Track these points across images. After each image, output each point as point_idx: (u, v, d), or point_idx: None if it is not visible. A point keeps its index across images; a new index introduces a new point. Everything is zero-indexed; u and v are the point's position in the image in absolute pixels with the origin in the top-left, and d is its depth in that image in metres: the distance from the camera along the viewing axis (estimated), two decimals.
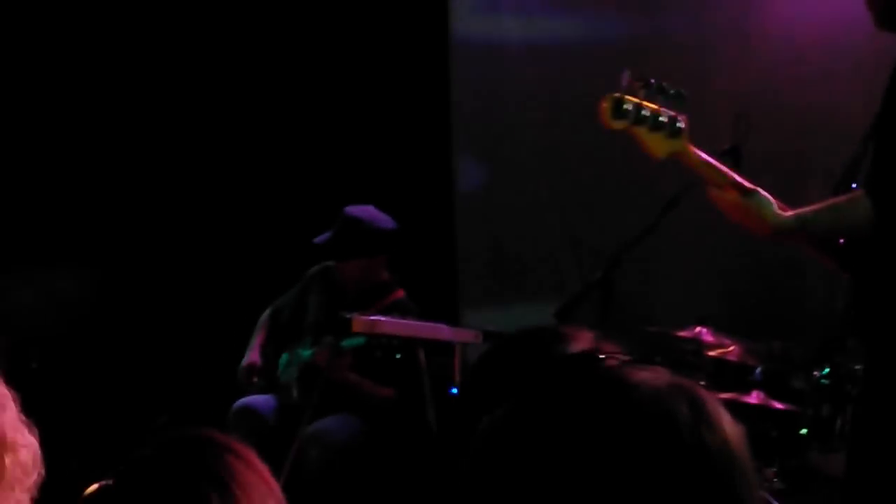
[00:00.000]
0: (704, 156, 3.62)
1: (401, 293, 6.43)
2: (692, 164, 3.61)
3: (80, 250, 7.85)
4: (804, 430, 5.25)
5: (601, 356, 1.66)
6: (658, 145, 3.52)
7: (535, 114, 7.40)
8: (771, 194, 3.66)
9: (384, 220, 6.33)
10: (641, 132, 3.50)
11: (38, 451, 2.37)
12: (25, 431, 2.36)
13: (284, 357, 6.46)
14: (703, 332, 5.71)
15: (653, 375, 1.55)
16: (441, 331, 5.93)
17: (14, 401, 2.36)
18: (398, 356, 6.02)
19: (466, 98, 7.66)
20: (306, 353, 6.35)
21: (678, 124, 3.54)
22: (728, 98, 6.26)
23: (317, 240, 6.38)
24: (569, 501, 1.48)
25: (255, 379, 6.41)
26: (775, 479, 5.51)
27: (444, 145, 7.65)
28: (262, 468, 1.88)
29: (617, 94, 3.45)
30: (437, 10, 7.63)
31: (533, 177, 7.41)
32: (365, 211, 6.35)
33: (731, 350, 5.76)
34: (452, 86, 7.62)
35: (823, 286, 6.29)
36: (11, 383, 6.93)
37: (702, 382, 4.96)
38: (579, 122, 7.08)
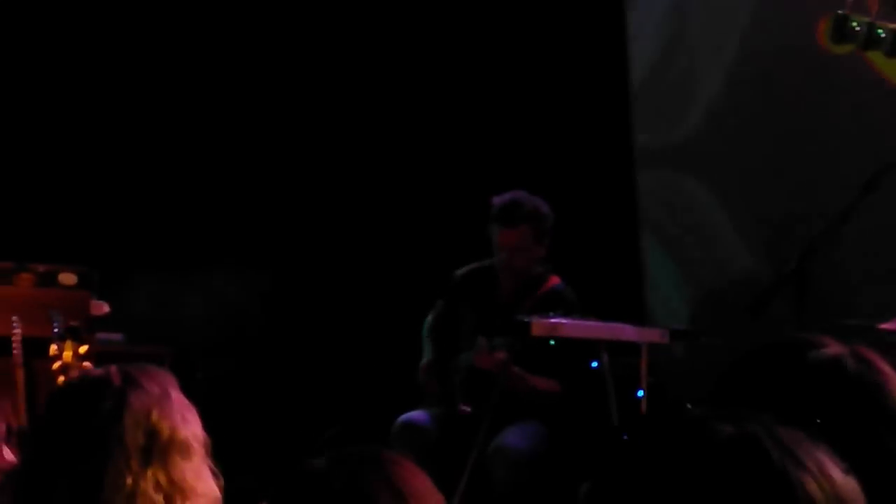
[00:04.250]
0: None
1: (556, 280, 6.26)
2: None
3: (248, 254, 7.82)
4: None
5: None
6: None
7: (714, 89, 7.06)
8: None
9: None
10: (876, 57, 3.11)
11: (219, 501, 2.30)
12: (209, 480, 2.29)
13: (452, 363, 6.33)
14: None
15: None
16: (625, 331, 5.66)
17: (205, 446, 2.29)
18: (552, 342, 5.82)
19: (644, 83, 7.40)
20: (468, 357, 6.20)
21: None
22: None
23: (503, 229, 6.10)
24: None
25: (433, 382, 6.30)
26: None
27: (623, 127, 7.45)
28: (431, 483, 1.83)
29: (841, 12, 3.04)
30: None
31: (720, 158, 7.11)
32: (533, 197, 6.18)
33: None
34: (631, 74, 7.42)
35: None
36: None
37: None
38: (763, 95, 6.88)
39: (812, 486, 1.49)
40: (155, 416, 2.25)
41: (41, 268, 5.81)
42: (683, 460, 1.52)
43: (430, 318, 6.52)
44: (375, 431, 6.25)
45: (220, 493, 2.29)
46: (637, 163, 7.45)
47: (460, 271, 6.45)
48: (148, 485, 2.19)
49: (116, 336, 6.83)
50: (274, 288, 7.86)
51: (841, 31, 3.02)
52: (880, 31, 3.04)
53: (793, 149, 6.79)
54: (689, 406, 5.62)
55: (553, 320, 5.62)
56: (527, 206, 6.10)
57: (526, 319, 5.59)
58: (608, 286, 6.87)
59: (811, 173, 6.67)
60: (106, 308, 6.15)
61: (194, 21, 7.90)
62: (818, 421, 1.94)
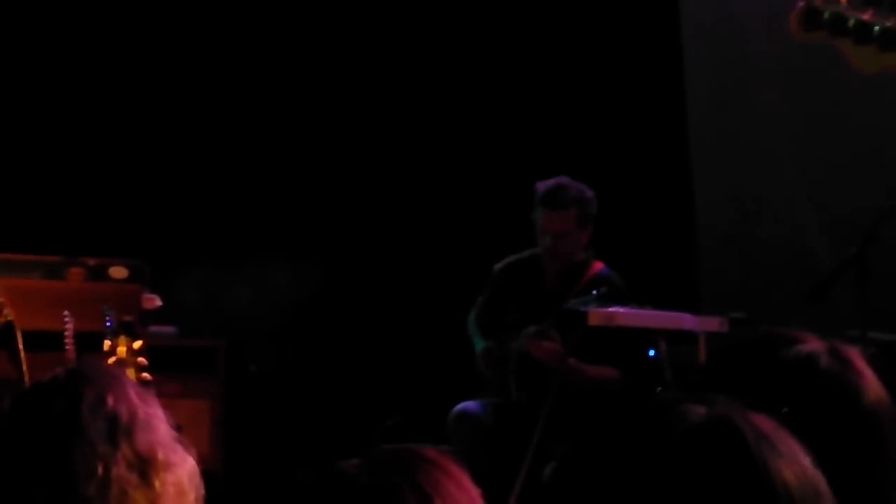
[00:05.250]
0: None
1: (600, 265, 6.21)
2: None
3: (299, 246, 7.80)
4: None
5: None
6: (868, 59, 3.13)
7: (772, 75, 7.03)
8: None
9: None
10: (844, 44, 3.12)
11: (196, 471, 2.28)
12: (181, 450, 2.27)
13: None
14: None
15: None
16: (683, 320, 5.60)
17: (165, 420, 2.29)
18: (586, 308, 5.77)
19: (699, 73, 7.33)
20: (520, 346, 6.14)
21: None
22: None
23: (548, 212, 6.06)
24: None
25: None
26: None
27: (678, 119, 7.40)
28: (468, 484, 1.78)
29: (808, 2, 3.12)
30: None
31: (776, 151, 7.05)
32: (577, 182, 6.14)
33: None
34: (686, 68, 7.36)
35: None
36: (230, 387, 6.71)
37: None
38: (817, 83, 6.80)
39: (787, 472, 1.47)
40: (111, 401, 2.23)
41: (92, 262, 5.80)
42: (655, 442, 1.50)
43: (472, 314, 6.49)
44: (431, 422, 6.23)
45: (197, 464, 2.28)
46: (693, 149, 7.39)
47: (499, 265, 6.42)
48: (120, 466, 2.19)
49: (169, 329, 6.83)
50: (326, 279, 7.83)
51: (811, 19, 3.14)
52: (850, 20, 3.12)
53: (853, 136, 6.72)
54: (658, 390, 5.60)
55: (610, 310, 5.57)
56: (572, 191, 6.07)
57: (583, 309, 5.56)
58: (662, 273, 6.82)
59: (873, 161, 6.60)
60: (158, 302, 6.13)
61: (233, 11, 7.91)
62: (785, 410, 1.92)
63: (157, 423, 2.26)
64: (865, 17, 3.11)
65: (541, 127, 7.64)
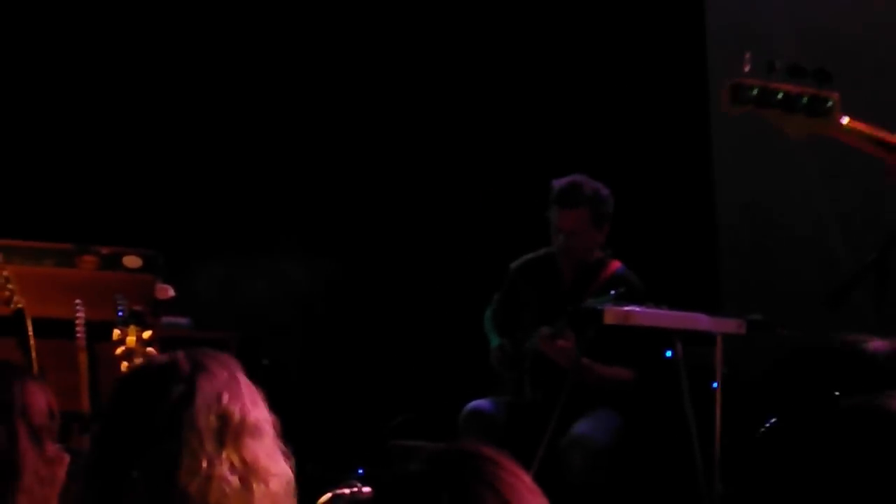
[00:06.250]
0: (867, 128, 3.63)
1: (617, 264, 6.19)
2: (850, 139, 3.64)
3: (313, 239, 7.80)
4: None
5: None
6: (797, 126, 3.56)
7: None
8: None
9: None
10: (773, 114, 3.52)
11: (292, 482, 2.33)
12: (281, 460, 2.32)
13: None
14: None
15: None
16: (700, 321, 5.53)
17: (274, 426, 2.34)
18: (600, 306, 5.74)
19: (723, 73, 7.30)
20: (534, 344, 6.12)
21: (826, 104, 3.57)
22: None
23: (562, 210, 6.05)
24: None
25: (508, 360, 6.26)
26: None
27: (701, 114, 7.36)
28: (528, 478, 1.83)
29: (736, 81, 3.51)
30: None
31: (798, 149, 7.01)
32: (593, 180, 6.12)
33: None
34: (709, 68, 7.30)
35: None
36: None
37: None
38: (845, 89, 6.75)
39: None
40: (225, 399, 2.27)
41: (105, 250, 5.79)
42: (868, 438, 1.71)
43: (488, 311, 6.48)
44: (442, 419, 6.21)
45: (293, 474, 2.33)
46: (714, 148, 7.35)
47: (516, 263, 6.40)
48: (223, 467, 2.22)
49: (183, 320, 6.82)
50: (339, 273, 7.82)
51: (741, 96, 3.53)
52: (779, 93, 3.54)
53: None
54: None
55: (626, 308, 5.52)
56: (586, 189, 6.05)
57: (598, 307, 5.52)
58: (683, 274, 6.80)
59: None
60: (171, 292, 6.12)
61: (253, 4, 7.91)
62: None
63: (264, 429, 2.30)
64: (791, 89, 3.51)
65: (563, 126, 7.61)
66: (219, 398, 2.26)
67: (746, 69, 3.52)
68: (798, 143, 6.95)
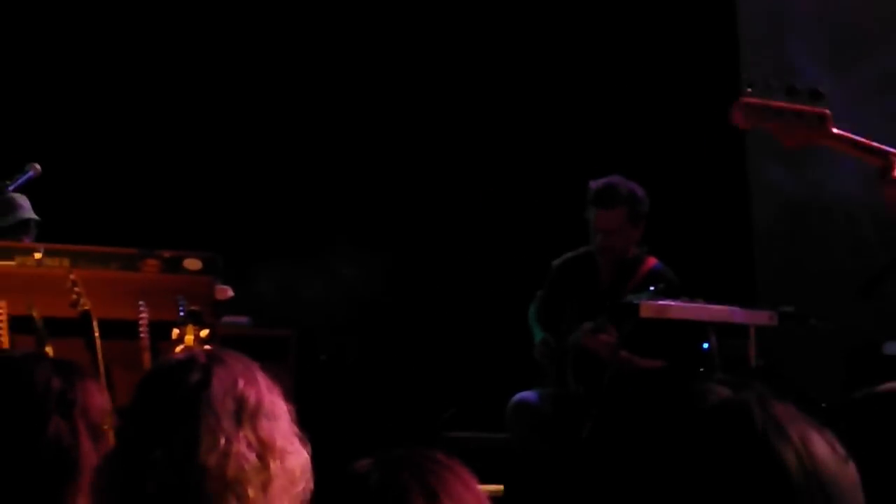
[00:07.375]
0: (853, 138, 3.98)
1: (654, 261, 6.32)
2: (841, 147, 3.99)
3: (368, 237, 7.90)
4: None
5: None
6: (795, 137, 3.95)
7: (824, 68, 7.10)
8: None
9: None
10: (775, 127, 3.93)
11: (308, 463, 2.39)
12: (297, 442, 2.39)
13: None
14: None
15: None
16: (733, 313, 5.67)
17: (290, 414, 2.42)
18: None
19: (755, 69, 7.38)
20: (576, 339, 6.24)
21: (820, 118, 3.93)
22: None
23: (600, 210, 6.20)
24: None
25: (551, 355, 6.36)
26: None
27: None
28: (475, 484, 1.92)
29: (744, 100, 3.92)
30: None
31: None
32: (629, 181, 6.26)
33: None
34: (741, 63, 7.39)
35: None
36: (301, 375, 6.85)
37: None
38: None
39: (789, 456, 1.55)
40: (241, 384, 2.37)
41: (167, 254, 5.92)
42: (674, 418, 1.63)
43: (532, 307, 6.61)
44: (490, 411, 6.35)
45: (309, 457, 2.40)
46: (748, 144, 7.45)
47: (557, 262, 6.54)
48: (241, 444, 2.31)
49: (242, 319, 6.95)
50: (395, 270, 7.94)
51: (753, 114, 3.94)
52: (780, 110, 3.93)
53: None
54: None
55: (661, 302, 5.65)
56: (623, 189, 6.19)
57: (635, 301, 5.65)
58: (719, 267, 6.88)
59: None
60: (230, 292, 6.26)
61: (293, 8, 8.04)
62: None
63: (280, 413, 2.39)
64: (790, 106, 3.90)
65: (602, 127, 7.70)
66: (235, 383, 2.35)
67: (749, 90, 3.95)
68: None
